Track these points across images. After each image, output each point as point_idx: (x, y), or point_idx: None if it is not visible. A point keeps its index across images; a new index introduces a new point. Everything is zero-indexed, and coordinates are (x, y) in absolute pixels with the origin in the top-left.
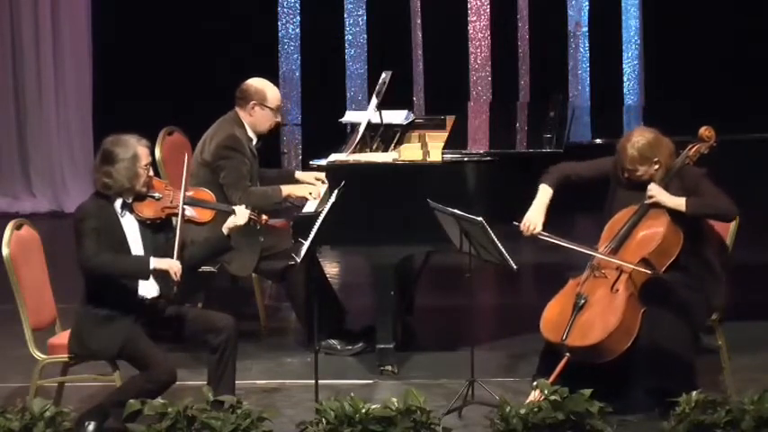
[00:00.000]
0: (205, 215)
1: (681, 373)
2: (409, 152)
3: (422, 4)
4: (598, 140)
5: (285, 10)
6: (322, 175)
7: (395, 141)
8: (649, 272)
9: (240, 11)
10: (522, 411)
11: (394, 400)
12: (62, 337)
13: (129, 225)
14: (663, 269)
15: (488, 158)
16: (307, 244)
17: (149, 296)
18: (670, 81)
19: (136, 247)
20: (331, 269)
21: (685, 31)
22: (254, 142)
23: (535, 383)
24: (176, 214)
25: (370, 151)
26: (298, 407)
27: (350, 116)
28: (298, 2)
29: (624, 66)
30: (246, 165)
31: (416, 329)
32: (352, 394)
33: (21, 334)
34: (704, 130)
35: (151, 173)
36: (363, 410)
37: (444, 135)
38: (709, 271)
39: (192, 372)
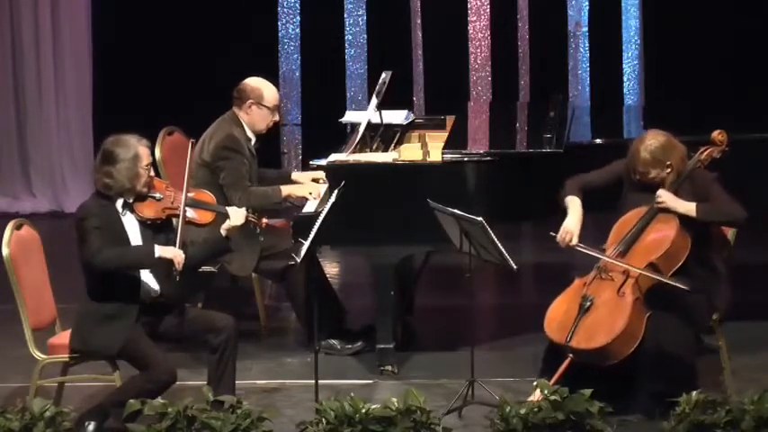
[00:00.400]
0: (205, 217)
1: (683, 377)
2: (409, 152)
3: (422, 4)
4: (598, 140)
5: (285, 10)
6: (320, 174)
7: (395, 141)
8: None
9: (240, 11)
10: (522, 411)
11: (394, 400)
12: (62, 337)
13: (131, 224)
14: (669, 274)
15: (488, 158)
16: (307, 244)
17: (150, 296)
18: (670, 81)
19: None
20: (331, 269)
21: (685, 31)
22: (253, 142)
23: (535, 383)
24: (177, 215)
25: (370, 151)
26: (298, 407)
27: (350, 116)
28: (298, 2)
29: (624, 66)
30: (246, 165)
31: (416, 329)
32: (352, 394)
33: (21, 334)
34: (717, 134)
35: (152, 173)
36: (363, 410)
37: (444, 135)
38: (713, 273)
39: (192, 372)
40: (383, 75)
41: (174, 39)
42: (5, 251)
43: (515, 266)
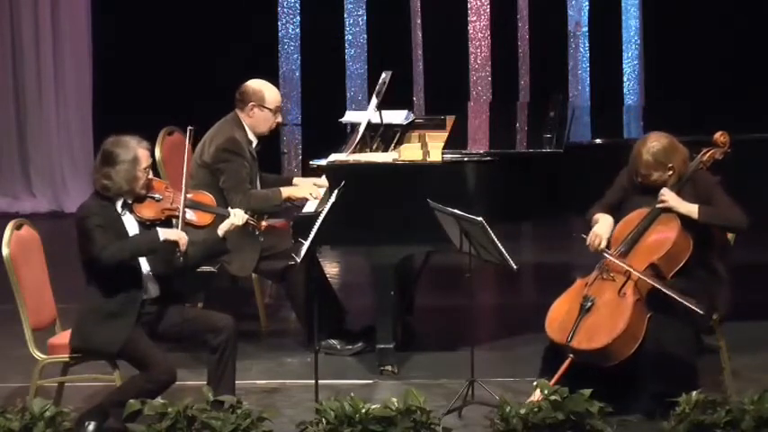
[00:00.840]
0: (204, 218)
1: (684, 377)
2: (409, 152)
3: (422, 4)
4: (598, 140)
5: (285, 10)
6: (322, 181)
7: (395, 141)
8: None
9: (240, 11)
10: (522, 411)
11: (394, 400)
12: (62, 337)
13: (130, 224)
14: (670, 275)
15: (488, 158)
16: (307, 244)
17: (151, 297)
18: (670, 81)
19: None
20: (331, 269)
21: (685, 31)
22: (254, 144)
23: (535, 383)
24: (176, 216)
25: (370, 151)
26: (298, 407)
27: (350, 116)
28: (298, 2)
29: (624, 66)
30: (246, 168)
31: (416, 329)
32: (352, 394)
33: (21, 334)
34: (719, 136)
35: (151, 175)
36: (363, 410)
37: (444, 135)
38: (713, 274)
39: (192, 372)
40: (383, 75)
41: (174, 39)
42: (5, 251)
43: (515, 266)
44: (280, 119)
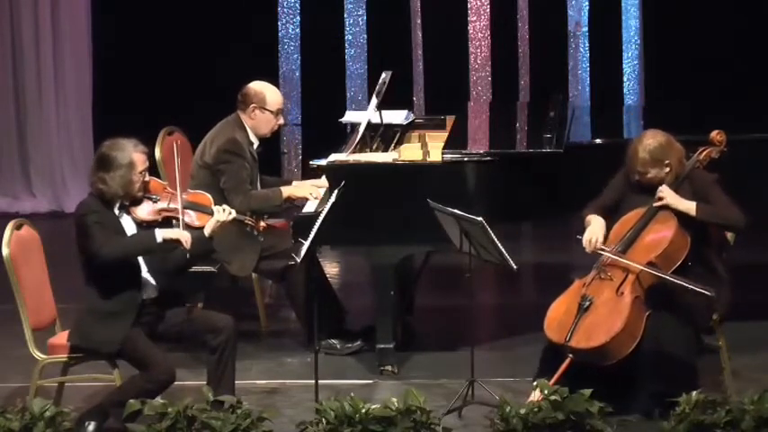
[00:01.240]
0: (202, 219)
1: (683, 377)
2: (409, 152)
3: (422, 4)
4: (598, 140)
5: (285, 10)
6: (323, 182)
7: (395, 141)
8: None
9: (240, 11)
10: (522, 411)
11: (394, 400)
12: (62, 337)
13: (128, 224)
14: (669, 273)
15: (488, 158)
16: (307, 244)
17: (150, 297)
18: (670, 81)
19: None
20: (331, 269)
21: (685, 31)
22: (256, 146)
23: (535, 383)
24: (173, 217)
25: (370, 151)
26: (298, 407)
27: (350, 116)
28: (298, 2)
29: (624, 66)
30: (247, 169)
31: (416, 329)
32: (352, 394)
33: (21, 334)
34: (716, 134)
35: (147, 177)
36: (363, 410)
37: (444, 135)
38: (712, 273)
39: (192, 372)
40: (383, 75)
41: (173, 39)
42: (5, 251)
43: (515, 266)
44: (281, 121)
